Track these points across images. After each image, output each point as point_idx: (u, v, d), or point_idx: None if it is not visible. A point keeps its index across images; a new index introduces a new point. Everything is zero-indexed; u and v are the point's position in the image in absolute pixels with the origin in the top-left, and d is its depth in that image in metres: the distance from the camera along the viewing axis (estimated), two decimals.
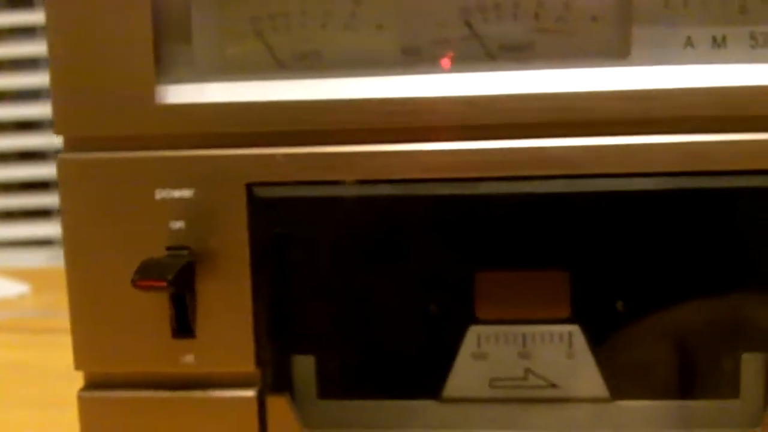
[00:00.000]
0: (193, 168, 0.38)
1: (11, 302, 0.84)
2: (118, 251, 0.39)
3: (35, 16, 1.10)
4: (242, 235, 0.39)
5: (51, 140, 1.06)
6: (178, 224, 0.39)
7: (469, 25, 0.39)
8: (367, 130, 0.38)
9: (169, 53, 0.39)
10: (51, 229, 1.09)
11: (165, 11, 0.39)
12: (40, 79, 1.09)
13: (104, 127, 0.39)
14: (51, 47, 0.38)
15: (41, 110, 1.10)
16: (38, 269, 1.01)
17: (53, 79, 0.39)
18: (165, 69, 0.39)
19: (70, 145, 0.40)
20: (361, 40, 0.39)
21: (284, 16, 0.40)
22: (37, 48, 1.09)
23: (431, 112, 0.38)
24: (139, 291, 0.38)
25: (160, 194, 0.39)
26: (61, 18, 0.38)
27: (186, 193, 0.39)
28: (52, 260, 1.10)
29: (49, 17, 0.38)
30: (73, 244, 0.40)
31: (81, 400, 0.41)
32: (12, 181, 1.11)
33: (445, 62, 0.39)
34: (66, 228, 0.39)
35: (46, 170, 1.09)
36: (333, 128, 0.38)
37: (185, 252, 0.39)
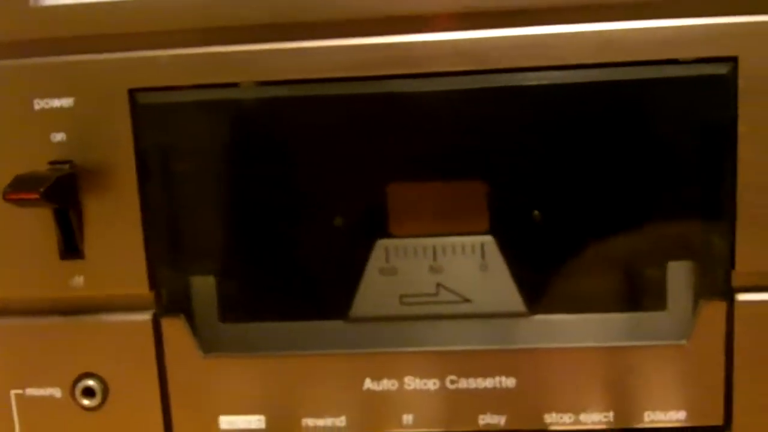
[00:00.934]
0: (73, 74, 0.36)
1: None
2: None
3: None
4: (127, 146, 0.36)
5: None
6: (59, 136, 0.36)
7: None
8: (258, 27, 0.35)
9: None
10: None
11: None
12: None
13: None
14: None
15: None
16: None
17: None
18: None
19: None
20: None
21: None
22: None
23: (330, 5, 0.34)
24: (22, 210, 0.35)
25: (39, 104, 0.36)
26: None
27: (66, 102, 0.36)
28: None
29: None
30: None
31: None
32: None
33: None
34: None
35: None
36: (221, 25, 0.35)
37: (67, 166, 0.36)
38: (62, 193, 0.35)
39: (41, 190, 0.33)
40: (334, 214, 0.37)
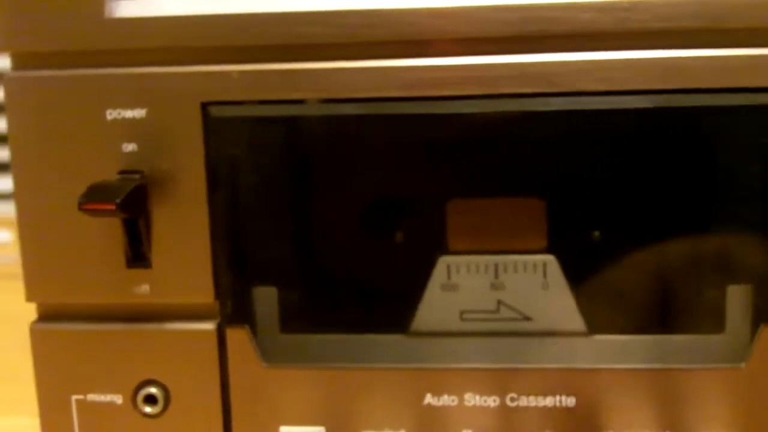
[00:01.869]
0: (146, 86, 0.36)
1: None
2: (69, 176, 0.37)
3: None
4: (197, 158, 0.37)
5: None
6: (130, 146, 0.37)
7: None
8: (329, 45, 0.36)
9: None
10: None
11: None
12: None
13: (51, 42, 0.37)
14: None
15: None
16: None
17: None
18: None
19: (18, 63, 0.37)
20: None
21: None
22: None
23: (398, 25, 0.35)
24: (90, 217, 0.36)
25: (111, 114, 0.37)
26: None
27: (138, 113, 0.36)
28: None
29: None
30: (21, 170, 0.37)
31: (33, 332, 0.39)
32: None
33: None
34: (14, 152, 0.37)
35: None
36: (293, 43, 0.36)
37: (137, 176, 0.36)
38: (135, 204, 0.36)
39: (117, 201, 0.34)
40: (396, 230, 0.37)
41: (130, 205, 0.35)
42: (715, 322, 0.37)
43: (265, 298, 0.38)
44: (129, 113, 0.36)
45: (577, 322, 0.37)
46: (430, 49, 0.36)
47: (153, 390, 0.38)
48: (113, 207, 0.34)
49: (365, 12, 0.35)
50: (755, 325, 0.36)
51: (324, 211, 0.37)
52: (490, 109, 0.35)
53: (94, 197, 0.35)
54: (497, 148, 0.36)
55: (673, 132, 0.35)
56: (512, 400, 0.37)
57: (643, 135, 0.35)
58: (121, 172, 0.37)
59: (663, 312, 0.37)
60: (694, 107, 0.34)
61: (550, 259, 0.37)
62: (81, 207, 0.35)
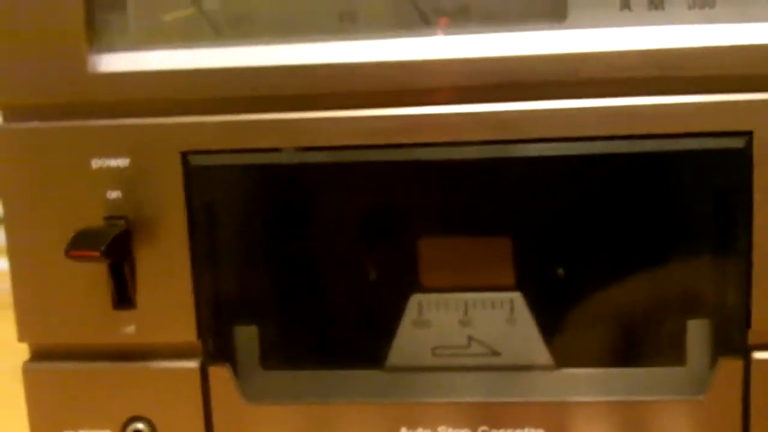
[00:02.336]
0: (128, 136, 0.38)
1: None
2: (57, 222, 0.39)
3: None
4: (178, 204, 0.38)
5: None
6: (114, 194, 0.39)
7: None
8: (300, 96, 0.38)
9: (102, 19, 0.38)
10: None
11: None
12: None
13: (38, 95, 0.38)
14: None
15: None
16: None
17: None
18: (98, 36, 0.38)
19: (6, 114, 0.39)
20: (296, 4, 0.39)
21: None
22: None
23: (365, 77, 0.37)
24: (75, 261, 0.38)
25: (97, 163, 0.38)
26: None
27: (122, 162, 0.38)
28: None
29: None
30: (12, 216, 0.39)
31: (25, 372, 0.41)
32: None
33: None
34: (5, 199, 0.39)
35: None
36: (266, 95, 0.38)
37: (122, 222, 0.38)
38: (119, 249, 0.37)
39: (102, 248, 0.36)
40: (369, 269, 0.39)
41: (115, 250, 0.37)
42: (677, 355, 0.38)
43: (246, 337, 0.40)
44: (113, 162, 0.38)
45: (544, 356, 0.39)
46: (397, 99, 0.37)
47: (140, 426, 0.40)
48: (98, 254, 0.36)
49: (334, 65, 0.37)
50: (714, 358, 0.38)
51: (300, 252, 0.39)
52: (455, 156, 0.37)
53: (79, 244, 0.37)
54: (463, 191, 0.38)
55: (630, 175, 0.37)
56: None
57: (601, 178, 0.37)
58: (107, 218, 0.39)
59: (626, 345, 0.39)
60: (650, 152, 0.36)
61: (516, 295, 0.39)
62: (68, 254, 0.36)
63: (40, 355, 0.41)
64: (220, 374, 0.39)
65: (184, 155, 0.38)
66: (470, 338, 0.39)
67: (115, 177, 0.38)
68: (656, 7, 0.37)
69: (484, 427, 0.39)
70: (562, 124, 0.36)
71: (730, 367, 0.37)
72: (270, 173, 0.38)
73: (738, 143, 0.35)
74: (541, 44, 0.36)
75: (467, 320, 0.39)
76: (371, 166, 0.38)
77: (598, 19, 0.37)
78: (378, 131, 0.37)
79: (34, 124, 0.39)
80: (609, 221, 0.37)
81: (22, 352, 0.41)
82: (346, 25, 0.39)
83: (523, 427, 0.38)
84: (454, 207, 0.38)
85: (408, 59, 0.37)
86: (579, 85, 0.36)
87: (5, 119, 0.39)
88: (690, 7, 0.36)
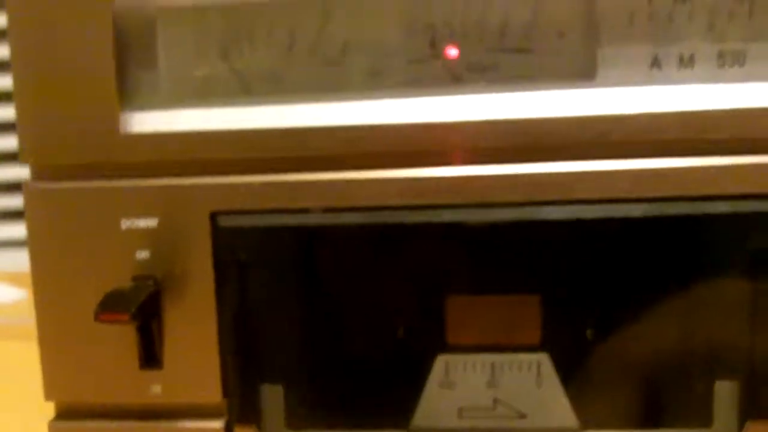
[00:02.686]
0: (158, 197, 0.38)
1: (8, 308, 0.84)
2: (85, 281, 0.39)
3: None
4: (207, 264, 0.38)
5: None
6: (143, 254, 0.39)
7: (433, 45, 0.39)
8: (332, 157, 0.38)
9: (133, 78, 0.39)
10: None
11: (129, 35, 0.38)
12: None
13: (69, 155, 0.39)
14: (15, 76, 0.38)
15: None
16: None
17: (18, 106, 0.39)
18: (129, 95, 0.39)
19: (37, 173, 0.39)
20: (327, 62, 0.39)
21: (250, 38, 0.40)
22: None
23: (396, 138, 0.37)
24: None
25: (126, 224, 0.39)
26: (24, 47, 0.38)
27: (151, 222, 0.38)
28: None
29: (12, 45, 0.38)
30: (40, 274, 0.39)
31: (51, 430, 0.40)
32: (7, 182, 1.10)
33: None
34: (33, 257, 0.39)
35: None
36: (298, 155, 0.38)
37: (150, 282, 0.38)
38: (148, 311, 0.38)
39: (132, 311, 0.36)
40: (396, 328, 0.39)
41: (144, 312, 0.37)
42: (704, 417, 0.38)
43: (272, 397, 0.40)
44: (142, 222, 0.38)
45: (570, 419, 0.39)
46: (429, 160, 0.37)
47: None
48: (127, 317, 0.36)
49: (365, 127, 0.37)
50: (742, 421, 0.37)
51: (328, 312, 0.39)
52: (486, 217, 0.37)
53: (109, 307, 0.37)
54: (492, 252, 0.38)
55: (660, 236, 0.37)
56: None
57: (631, 240, 0.37)
58: (135, 278, 0.39)
59: (653, 407, 0.39)
60: (681, 214, 0.36)
61: (543, 357, 0.39)
62: (97, 318, 0.37)
63: (66, 413, 0.41)
64: None
65: (213, 216, 0.38)
66: (496, 400, 0.39)
67: (144, 237, 0.38)
68: (686, 66, 0.37)
69: None
70: (592, 187, 0.36)
71: (758, 430, 0.37)
72: (298, 234, 0.38)
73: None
74: (570, 104, 0.37)
75: (493, 382, 0.39)
76: (400, 227, 0.38)
77: (628, 78, 0.37)
78: (407, 192, 0.37)
79: (64, 183, 0.39)
80: (638, 282, 0.37)
81: None
82: (375, 82, 0.39)
83: None
84: (482, 268, 0.38)
85: (438, 121, 0.37)
86: (609, 146, 0.36)
87: (34, 178, 0.39)
88: (720, 66, 0.37)
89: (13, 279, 0.90)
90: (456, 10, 0.38)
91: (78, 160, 0.39)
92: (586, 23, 0.37)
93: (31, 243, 0.39)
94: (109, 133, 0.38)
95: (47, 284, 0.39)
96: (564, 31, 0.38)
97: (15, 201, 1.09)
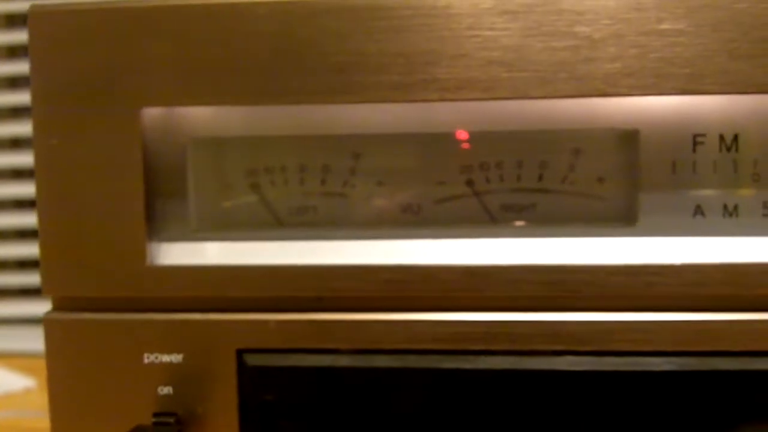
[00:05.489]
0: (183, 332, 0.37)
1: (16, 398, 0.83)
2: (104, 415, 0.38)
3: None
4: (231, 403, 0.37)
5: None
6: (166, 389, 0.37)
7: (470, 183, 0.38)
8: (363, 298, 0.37)
9: (162, 209, 0.38)
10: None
11: (158, 163, 0.37)
12: None
13: (93, 288, 0.38)
14: (40, 206, 0.37)
15: None
16: (44, 361, 1.00)
17: (42, 239, 0.38)
18: (157, 226, 0.37)
19: (58, 304, 0.38)
20: (360, 197, 0.38)
21: (282, 170, 0.39)
22: None
23: (430, 281, 0.36)
24: None
25: (149, 358, 0.37)
26: (50, 175, 0.37)
27: (175, 357, 0.37)
28: None
29: (37, 168, 0.37)
30: (58, 406, 0.38)
31: None
32: (8, 259, 1.10)
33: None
34: (52, 388, 0.38)
35: None
36: (328, 295, 0.36)
37: (172, 419, 0.37)
38: None
39: None
40: None
41: None
42: None
43: None
44: (166, 358, 0.37)
45: None
46: (462, 305, 0.36)
47: None
48: None
49: (398, 268, 0.36)
50: None
51: None
52: (518, 366, 0.36)
53: None
54: (523, 401, 0.37)
55: (699, 393, 0.36)
56: None
57: (670, 395, 0.36)
58: (156, 414, 0.37)
59: None
60: (721, 370, 0.35)
61: None
62: None
63: None
64: None
65: (240, 353, 0.37)
66: None
67: (168, 372, 0.37)
68: (731, 215, 0.36)
69: None
70: (631, 338, 0.35)
71: None
72: (328, 375, 0.37)
73: None
74: (610, 252, 0.36)
75: None
76: (432, 372, 0.37)
77: (670, 226, 0.36)
78: (438, 337, 0.37)
79: (86, 315, 0.38)
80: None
81: None
82: (409, 218, 0.38)
83: None
84: (516, 415, 0.37)
85: (473, 264, 0.36)
86: (649, 297, 0.35)
87: (55, 308, 0.38)
88: (765, 216, 0.36)
89: (23, 367, 0.89)
90: (494, 151, 0.37)
91: (102, 293, 0.38)
92: (629, 171, 0.36)
93: (51, 374, 0.38)
94: (136, 265, 0.37)
95: (65, 418, 0.38)
96: (604, 177, 0.37)
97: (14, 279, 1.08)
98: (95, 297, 0.38)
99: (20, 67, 1.05)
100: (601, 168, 0.37)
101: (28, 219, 1.06)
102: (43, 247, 0.37)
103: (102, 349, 0.38)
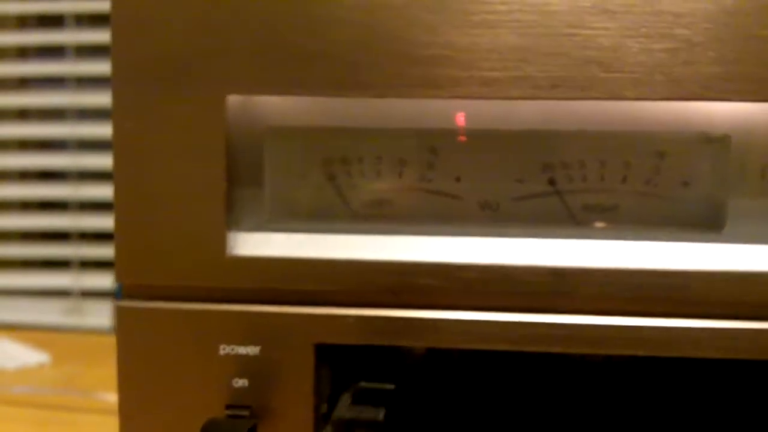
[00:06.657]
0: (261, 324, 0.37)
1: (31, 372, 0.82)
2: (175, 406, 0.37)
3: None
4: (307, 397, 0.37)
5: (73, 191, 1.05)
6: (240, 382, 0.37)
7: (552, 182, 0.37)
8: (443, 295, 0.36)
9: (239, 198, 0.37)
10: (68, 280, 1.06)
11: (236, 154, 0.37)
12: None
13: (169, 277, 0.37)
14: (117, 191, 0.37)
15: (65, 160, 1.08)
16: (58, 335, 0.99)
17: (117, 223, 0.37)
18: (235, 216, 0.36)
19: (129, 291, 0.37)
20: (437, 192, 0.38)
21: (359, 162, 0.38)
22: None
23: (511, 280, 0.36)
24: None
25: (225, 350, 0.37)
26: (128, 159, 0.36)
27: (252, 350, 0.37)
28: (69, 313, 1.08)
29: (115, 151, 0.36)
30: (128, 396, 0.38)
31: None
32: (32, 230, 1.09)
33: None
34: (122, 378, 0.38)
35: (67, 221, 1.07)
36: (407, 291, 0.36)
37: (246, 412, 0.37)
38: None
39: None
40: None
41: None
42: None
43: None
44: (242, 350, 0.37)
45: None
46: (544, 305, 0.36)
47: None
48: None
49: (483, 267, 0.36)
50: None
51: None
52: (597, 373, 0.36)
53: None
54: (609, 408, 0.36)
55: None
56: None
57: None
58: (229, 406, 0.37)
59: None
60: None
61: None
62: None
63: None
64: None
65: (317, 347, 0.36)
66: None
67: (243, 365, 0.37)
68: None
69: None
70: (719, 346, 0.35)
71: None
72: (401, 372, 0.37)
73: None
74: (696, 258, 0.35)
75: None
76: (509, 373, 0.36)
77: (758, 233, 0.35)
78: (519, 338, 0.36)
79: (159, 303, 0.37)
80: None
81: None
82: (488, 216, 0.37)
83: None
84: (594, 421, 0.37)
85: (562, 265, 0.35)
86: (737, 305, 0.35)
87: (126, 295, 0.38)
88: None
89: (35, 341, 0.88)
90: (577, 151, 0.36)
91: (178, 281, 0.37)
92: (718, 176, 0.36)
93: (121, 363, 0.38)
94: (215, 254, 0.36)
95: (134, 407, 0.38)
96: (689, 181, 0.36)
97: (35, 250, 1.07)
98: (169, 285, 0.37)
99: (31, 69, 1.05)
100: (687, 172, 0.36)
101: (33, 191, 1.06)
102: (118, 234, 0.37)
103: (176, 338, 0.37)
